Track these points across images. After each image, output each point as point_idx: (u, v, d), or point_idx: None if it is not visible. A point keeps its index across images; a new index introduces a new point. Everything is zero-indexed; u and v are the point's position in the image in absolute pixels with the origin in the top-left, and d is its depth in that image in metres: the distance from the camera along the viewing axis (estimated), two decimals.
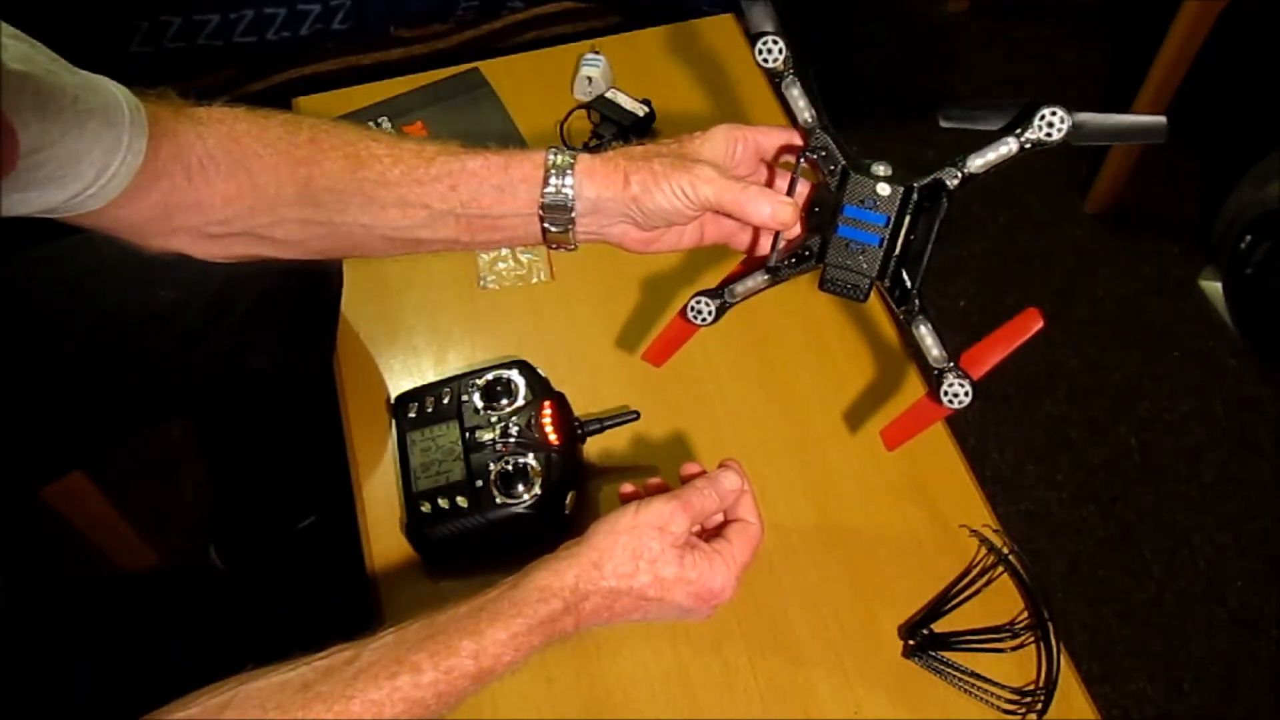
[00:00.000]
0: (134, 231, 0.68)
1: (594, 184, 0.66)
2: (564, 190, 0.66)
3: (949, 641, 0.77)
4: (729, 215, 0.65)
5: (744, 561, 0.67)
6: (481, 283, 0.99)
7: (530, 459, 0.79)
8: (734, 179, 0.65)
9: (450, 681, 0.57)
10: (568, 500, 0.80)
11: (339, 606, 0.82)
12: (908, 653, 0.77)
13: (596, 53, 1.14)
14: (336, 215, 0.68)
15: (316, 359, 0.96)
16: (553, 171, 0.66)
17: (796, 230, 0.67)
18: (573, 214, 0.67)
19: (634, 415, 0.85)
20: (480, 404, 0.82)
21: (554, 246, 0.70)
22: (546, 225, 0.68)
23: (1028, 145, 0.63)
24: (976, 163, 0.64)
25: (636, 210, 0.66)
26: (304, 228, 0.69)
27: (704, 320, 0.68)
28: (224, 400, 1.08)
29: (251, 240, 0.70)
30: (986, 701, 0.75)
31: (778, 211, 0.63)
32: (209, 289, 0.90)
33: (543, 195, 0.67)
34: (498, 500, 0.78)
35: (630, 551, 0.63)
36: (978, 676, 0.75)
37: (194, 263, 0.72)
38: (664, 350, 0.74)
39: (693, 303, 0.68)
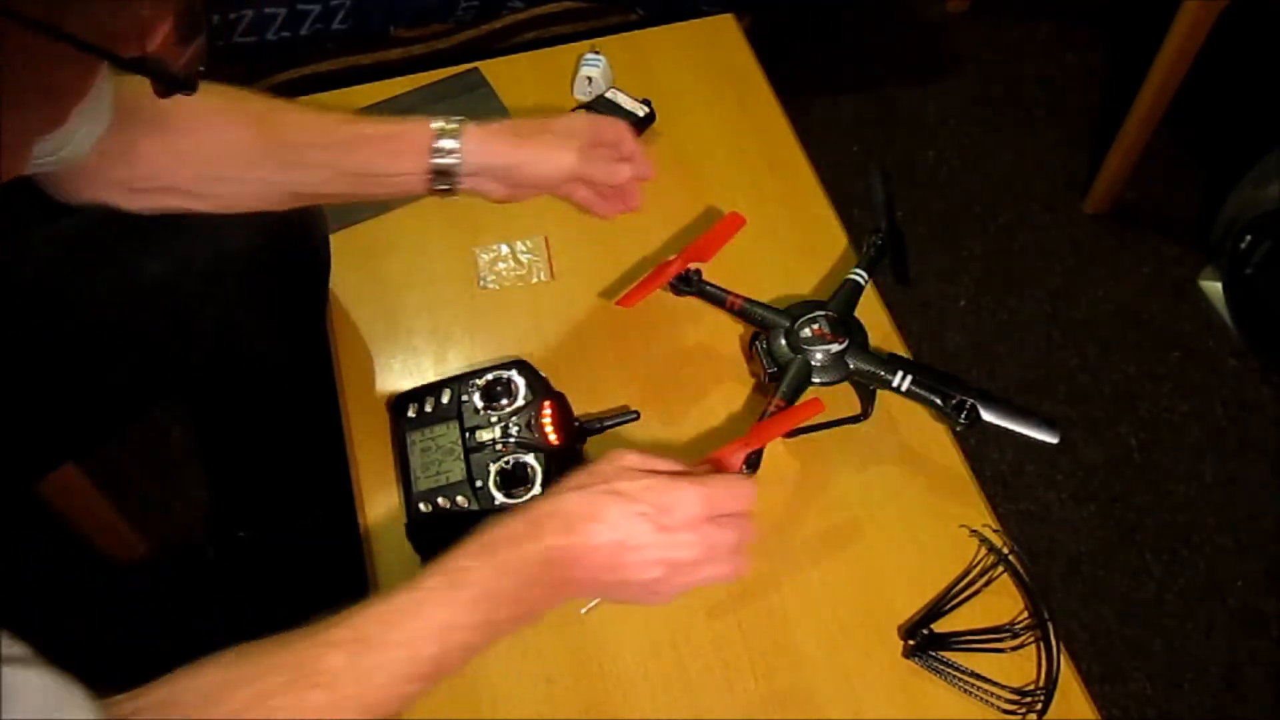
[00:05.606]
0: (69, 180, 0.76)
1: (481, 154, 0.82)
2: (452, 157, 0.82)
3: (949, 641, 0.77)
4: (591, 182, 0.88)
5: (715, 496, 0.64)
6: (481, 283, 0.99)
7: (530, 459, 0.79)
8: (597, 156, 0.86)
9: (425, 595, 0.58)
10: None
11: (339, 607, 0.82)
12: (908, 653, 0.77)
13: (596, 53, 1.14)
14: (247, 172, 0.80)
15: (310, 333, 0.97)
16: (444, 136, 0.81)
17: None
18: (457, 177, 0.83)
19: (634, 415, 0.85)
20: (480, 404, 0.82)
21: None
22: (433, 184, 0.83)
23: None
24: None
25: (512, 177, 0.85)
26: (219, 184, 0.80)
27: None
28: (219, 381, 1.07)
29: (178, 195, 0.80)
30: (986, 701, 0.75)
31: (610, 175, 0.87)
32: (198, 260, 0.91)
33: (432, 161, 0.82)
34: (498, 500, 0.78)
35: (582, 472, 0.66)
36: (978, 676, 0.75)
37: (181, 234, 0.84)
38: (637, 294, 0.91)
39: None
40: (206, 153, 0.79)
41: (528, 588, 0.60)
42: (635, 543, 0.62)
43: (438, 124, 0.82)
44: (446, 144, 0.82)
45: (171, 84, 0.51)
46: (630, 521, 0.62)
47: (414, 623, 0.57)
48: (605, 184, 0.89)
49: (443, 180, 0.83)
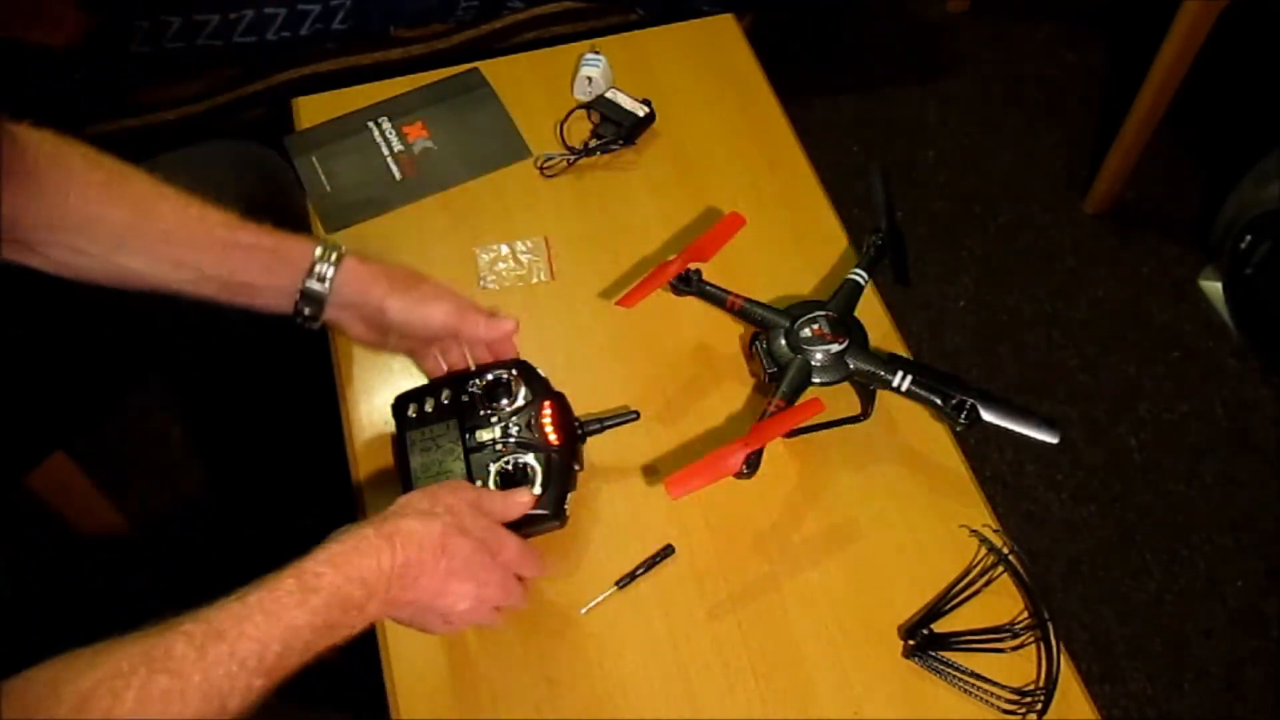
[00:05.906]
0: None
1: (353, 288, 0.80)
2: (325, 284, 0.79)
3: (949, 641, 0.77)
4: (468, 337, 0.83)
5: (527, 553, 0.73)
6: (481, 283, 0.99)
7: (530, 459, 0.79)
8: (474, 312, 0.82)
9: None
10: (567, 500, 0.80)
11: None
12: (908, 653, 0.77)
13: (596, 53, 1.14)
14: (110, 254, 0.75)
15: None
16: (323, 261, 0.79)
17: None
18: (323, 306, 0.80)
19: (634, 415, 0.85)
20: (480, 404, 0.82)
21: (298, 320, 0.82)
22: (301, 306, 0.80)
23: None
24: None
25: (381, 320, 0.81)
26: (75, 255, 0.75)
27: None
28: (208, 355, 1.07)
29: (21, 248, 0.74)
30: (986, 701, 0.75)
31: (492, 328, 0.82)
32: None
33: (305, 283, 0.79)
34: None
35: (425, 496, 0.70)
36: (978, 676, 0.75)
37: None
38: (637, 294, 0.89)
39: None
40: (72, 221, 0.74)
41: (370, 599, 0.62)
42: (464, 574, 0.67)
43: (320, 248, 0.79)
44: (325, 270, 0.79)
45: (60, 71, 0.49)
46: (467, 554, 0.67)
47: (265, 620, 0.58)
48: (483, 340, 0.84)
49: (308, 304, 0.80)
